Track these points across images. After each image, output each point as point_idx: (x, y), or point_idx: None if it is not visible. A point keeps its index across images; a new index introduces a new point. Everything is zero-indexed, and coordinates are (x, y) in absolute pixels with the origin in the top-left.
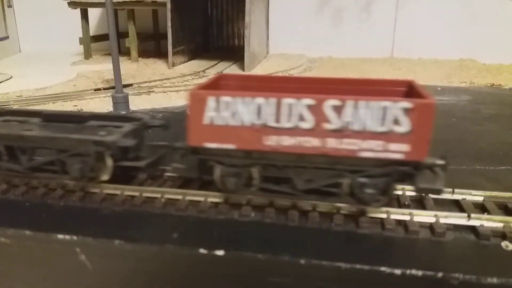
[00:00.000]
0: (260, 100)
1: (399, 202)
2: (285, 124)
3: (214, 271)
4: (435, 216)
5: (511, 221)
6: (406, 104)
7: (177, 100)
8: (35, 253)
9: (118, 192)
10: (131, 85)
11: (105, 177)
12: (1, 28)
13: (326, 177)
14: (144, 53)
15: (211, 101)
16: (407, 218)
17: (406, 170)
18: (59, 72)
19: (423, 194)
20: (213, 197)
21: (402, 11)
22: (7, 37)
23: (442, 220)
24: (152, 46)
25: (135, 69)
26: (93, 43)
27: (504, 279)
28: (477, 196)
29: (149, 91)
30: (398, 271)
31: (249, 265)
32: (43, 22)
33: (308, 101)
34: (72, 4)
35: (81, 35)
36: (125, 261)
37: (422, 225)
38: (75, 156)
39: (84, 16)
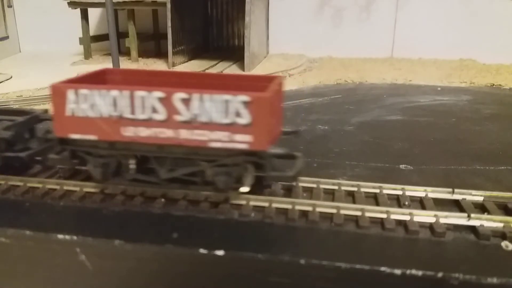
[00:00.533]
0: (115, 92)
1: (399, 202)
2: (140, 115)
3: (214, 271)
4: (435, 216)
5: (511, 221)
6: (245, 97)
7: None
8: (35, 253)
9: (118, 192)
10: None
11: None
12: (1, 28)
13: (186, 167)
14: (144, 53)
15: (70, 94)
16: (407, 218)
17: (254, 159)
18: (59, 72)
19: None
20: (213, 197)
21: (402, 11)
22: (7, 37)
23: (442, 220)
24: (152, 46)
25: None
26: (93, 43)
27: (504, 279)
28: (477, 196)
29: None
30: (398, 271)
31: (249, 265)
32: (43, 22)
33: (159, 94)
34: (72, 4)
35: (81, 35)
36: (125, 261)
37: (422, 225)
38: None
39: (84, 16)
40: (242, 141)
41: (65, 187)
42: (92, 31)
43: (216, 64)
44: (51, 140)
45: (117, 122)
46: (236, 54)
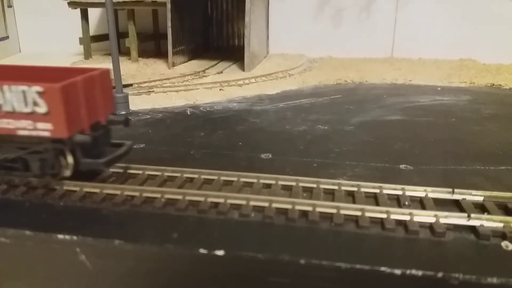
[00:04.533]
0: None
1: (399, 202)
2: None
3: (214, 271)
4: (435, 216)
5: (511, 221)
6: (38, 88)
7: (177, 100)
8: (35, 253)
9: (118, 192)
10: (131, 85)
11: None
12: (1, 28)
13: (7, 153)
14: (144, 53)
15: None
16: (407, 218)
17: (59, 147)
18: None
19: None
20: (214, 197)
21: (402, 11)
22: (7, 37)
23: (442, 220)
24: (152, 46)
25: (135, 69)
26: (93, 43)
27: (504, 279)
28: (477, 196)
29: (149, 91)
30: (398, 271)
31: (249, 265)
32: (43, 22)
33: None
34: (72, 4)
35: (81, 35)
36: (125, 261)
37: (422, 225)
38: None
39: (84, 16)
40: (44, 129)
41: (65, 187)
42: (92, 31)
43: (216, 64)
44: None
45: None
46: (236, 54)
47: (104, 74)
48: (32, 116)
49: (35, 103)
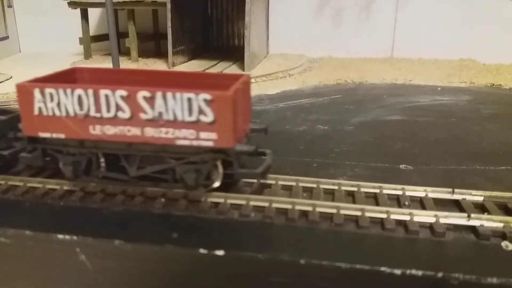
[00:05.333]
0: (80, 91)
1: (399, 202)
2: (105, 114)
3: (214, 271)
4: (435, 216)
5: (511, 221)
6: (207, 96)
7: None
8: (35, 253)
9: (118, 192)
10: None
11: None
12: (1, 28)
13: (155, 164)
14: (144, 53)
15: (37, 93)
16: (407, 218)
17: (221, 157)
18: None
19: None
20: (214, 197)
21: (402, 11)
22: (7, 37)
23: (442, 220)
24: (152, 46)
25: None
26: (93, 43)
27: (504, 279)
28: (477, 196)
29: None
30: (398, 271)
31: (249, 265)
32: (43, 22)
33: (122, 92)
34: (72, 4)
35: (81, 35)
36: (125, 261)
37: (422, 225)
38: None
39: (84, 16)
40: (207, 139)
41: (65, 187)
42: (92, 31)
43: (216, 64)
44: (21, 139)
45: (83, 120)
46: (236, 54)
47: (247, 80)
48: (195, 125)
49: (201, 112)
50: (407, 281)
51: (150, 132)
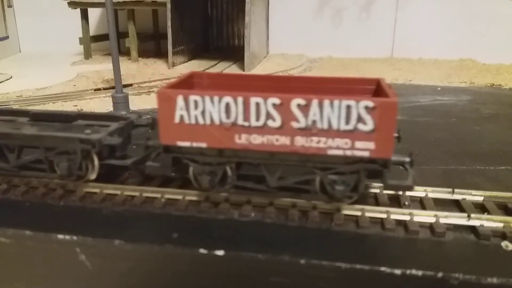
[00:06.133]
0: (228, 99)
1: (399, 202)
2: (254, 122)
3: (214, 271)
4: (435, 216)
5: (511, 221)
6: (369, 103)
7: None
8: (35, 253)
9: (118, 192)
10: (131, 85)
11: (92, 175)
12: (1, 28)
13: (298, 175)
14: (144, 53)
15: (180, 100)
16: (407, 218)
17: (374, 167)
18: (59, 72)
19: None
20: (214, 198)
21: (402, 11)
22: (7, 37)
23: (442, 220)
24: (152, 46)
25: (135, 69)
26: (93, 43)
27: (504, 279)
28: (477, 196)
29: (149, 91)
30: (398, 271)
31: (249, 265)
32: (43, 22)
33: (275, 100)
34: (72, 4)
35: (81, 35)
36: (125, 261)
37: (422, 225)
38: (62, 154)
39: (84, 16)
40: (363, 148)
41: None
42: (92, 31)
43: (216, 64)
44: (153, 147)
45: (229, 129)
46: (236, 54)
47: (386, 83)
48: (351, 134)
49: (360, 120)
50: (407, 281)
51: (300, 141)
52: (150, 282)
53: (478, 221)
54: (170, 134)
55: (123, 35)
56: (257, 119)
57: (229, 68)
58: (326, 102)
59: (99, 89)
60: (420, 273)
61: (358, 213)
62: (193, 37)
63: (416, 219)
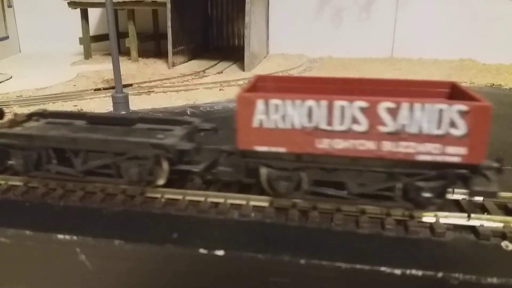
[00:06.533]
0: (311, 102)
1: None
2: (337, 127)
3: (214, 271)
4: (435, 216)
5: (511, 221)
6: (462, 107)
7: (177, 100)
8: (35, 253)
9: (118, 192)
10: (131, 85)
11: (161, 181)
12: (1, 28)
13: (380, 181)
14: (144, 53)
15: (260, 104)
16: (407, 218)
17: (463, 173)
18: (59, 72)
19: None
20: (213, 197)
21: (402, 11)
22: (7, 37)
23: (442, 220)
24: (152, 46)
25: (135, 69)
26: (93, 43)
27: (504, 279)
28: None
29: (149, 91)
30: (398, 271)
31: (249, 265)
32: (43, 22)
33: (362, 103)
34: (72, 4)
35: (81, 35)
36: (125, 261)
37: (422, 225)
38: (131, 160)
39: (84, 16)
40: (454, 154)
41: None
42: (92, 31)
43: (216, 64)
44: (228, 152)
45: (310, 133)
46: (236, 54)
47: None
48: (442, 139)
49: (452, 124)
50: (407, 281)
51: (387, 146)
52: (150, 282)
53: (478, 221)
54: (248, 139)
55: (123, 35)
56: (341, 123)
57: (229, 68)
58: (417, 106)
59: (99, 89)
60: (420, 273)
61: (358, 213)
62: (193, 37)
63: (416, 219)
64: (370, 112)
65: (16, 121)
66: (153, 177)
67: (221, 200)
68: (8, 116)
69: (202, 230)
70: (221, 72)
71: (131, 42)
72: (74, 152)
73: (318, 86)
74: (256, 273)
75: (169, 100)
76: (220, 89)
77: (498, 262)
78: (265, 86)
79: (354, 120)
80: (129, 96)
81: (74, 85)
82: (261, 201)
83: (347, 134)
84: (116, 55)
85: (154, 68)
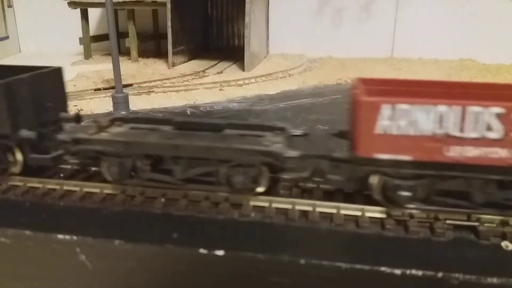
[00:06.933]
0: (442, 108)
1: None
2: (470, 133)
3: (214, 271)
4: (435, 216)
5: (511, 221)
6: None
7: (177, 100)
8: (35, 253)
9: (118, 192)
10: (131, 85)
11: (261, 189)
12: (1, 28)
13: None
14: (144, 53)
15: (385, 109)
16: (407, 218)
17: None
18: None
19: None
20: (214, 198)
21: (402, 11)
22: (7, 37)
23: (442, 220)
24: (152, 46)
25: (135, 69)
26: (93, 43)
27: (504, 279)
28: None
29: (149, 91)
30: (398, 271)
31: (249, 265)
32: (43, 22)
33: (497, 109)
34: (72, 4)
35: (81, 35)
36: (125, 261)
37: (422, 225)
38: (235, 167)
39: (84, 16)
40: None
41: (65, 187)
42: (92, 31)
43: (216, 64)
44: (341, 160)
45: (441, 141)
46: (236, 54)
47: None
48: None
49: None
50: (407, 281)
51: None
52: (150, 282)
53: (478, 221)
54: (369, 146)
55: (123, 35)
56: (474, 129)
57: (229, 68)
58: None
59: (99, 89)
60: (420, 273)
61: (358, 213)
62: (193, 37)
63: (416, 219)
64: (505, 118)
65: (102, 127)
66: (256, 184)
67: (221, 200)
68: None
69: (202, 230)
70: (221, 72)
71: (131, 42)
72: (175, 159)
73: (425, 89)
74: (256, 273)
75: (169, 100)
76: (220, 89)
77: (498, 262)
78: (376, 89)
79: (488, 127)
80: (129, 96)
81: (74, 85)
82: (262, 201)
83: (479, 141)
84: (116, 55)
85: (154, 68)
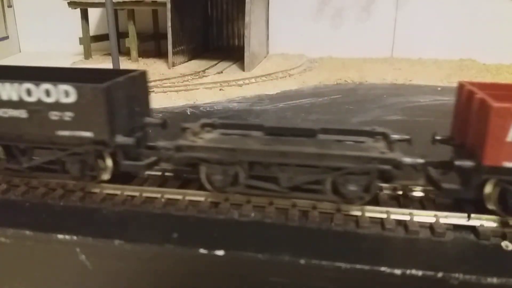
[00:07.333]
0: None
1: (399, 202)
2: None
3: (214, 271)
4: (435, 216)
5: (511, 221)
6: None
7: (177, 100)
8: (35, 253)
9: (118, 192)
10: None
11: (368, 197)
12: (1, 28)
13: None
14: (144, 53)
15: None
16: (407, 218)
17: None
18: None
19: None
20: (213, 197)
21: (402, 11)
22: (7, 37)
23: (442, 220)
24: (152, 46)
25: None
26: (93, 43)
27: (504, 279)
28: None
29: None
30: (398, 271)
31: (249, 265)
32: (43, 22)
33: None
34: (72, 4)
35: (81, 35)
36: (125, 261)
37: (422, 225)
38: (345, 175)
39: (84, 16)
40: None
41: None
42: (92, 31)
43: (216, 64)
44: (465, 169)
45: None
46: (236, 54)
47: None
48: None
49: None
50: (407, 281)
51: None
52: (150, 282)
53: (478, 221)
54: (499, 154)
55: (123, 35)
56: None
57: (229, 68)
58: None
59: None
60: (420, 273)
61: (359, 213)
62: (193, 37)
63: (416, 219)
64: None
65: (195, 133)
66: (367, 194)
67: (221, 200)
68: None
69: (202, 230)
70: (221, 72)
71: (131, 42)
72: (280, 166)
73: None
74: (256, 273)
75: (169, 100)
76: (220, 89)
77: (498, 262)
78: (497, 94)
79: None
80: None
81: None
82: (261, 201)
83: None
84: (116, 55)
85: (154, 68)
